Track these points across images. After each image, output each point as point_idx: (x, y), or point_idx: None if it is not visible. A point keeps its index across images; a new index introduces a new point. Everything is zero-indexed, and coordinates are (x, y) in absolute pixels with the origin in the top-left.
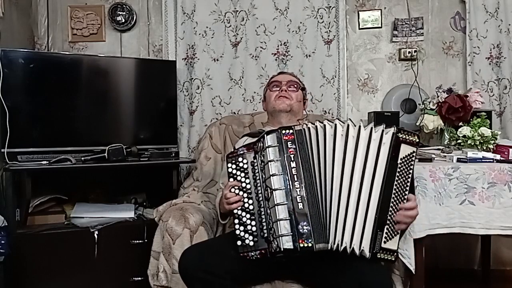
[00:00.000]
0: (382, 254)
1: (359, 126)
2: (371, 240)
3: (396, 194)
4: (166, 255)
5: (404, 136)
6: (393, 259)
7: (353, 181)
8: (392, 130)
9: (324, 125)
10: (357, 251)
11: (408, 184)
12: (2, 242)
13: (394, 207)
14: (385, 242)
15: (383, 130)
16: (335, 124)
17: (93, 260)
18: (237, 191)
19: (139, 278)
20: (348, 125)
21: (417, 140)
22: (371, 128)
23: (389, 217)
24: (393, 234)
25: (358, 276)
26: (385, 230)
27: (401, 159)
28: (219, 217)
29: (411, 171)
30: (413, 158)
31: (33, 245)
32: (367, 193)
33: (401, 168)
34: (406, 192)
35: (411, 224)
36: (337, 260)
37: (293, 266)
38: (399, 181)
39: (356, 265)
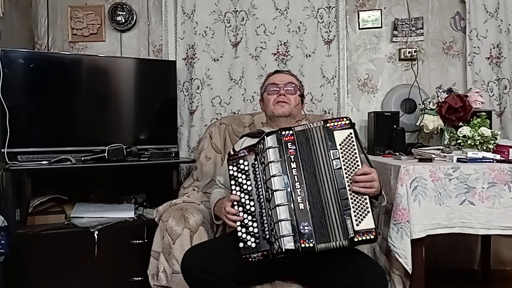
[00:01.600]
0: (359, 237)
1: (314, 128)
2: (342, 228)
3: (350, 176)
4: (166, 255)
5: (332, 125)
6: (372, 237)
7: (325, 178)
8: (322, 123)
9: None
10: (341, 244)
11: (358, 162)
12: (2, 242)
13: (352, 189)
14: (357, 225)
15: (319, 127)
16: (319, 127)
17: (93, 260)
18: (236, 210)
19: (139, 278)
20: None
21: (348, 121)
22: (317, 127)
23: (351, 201)
24: (363, 214)
25: (355, 273)
26: (353, 214)
27: (340, 144)
28: (213, 218)
29: (355, 151)
30: (352, 139)
31: (33, 245)
32: (331, 186)
33: (344, 152)
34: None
35: (411, 225)
36: (335, 258)
37: (294, 266)
38: (346, 164)
39: (354, 263)
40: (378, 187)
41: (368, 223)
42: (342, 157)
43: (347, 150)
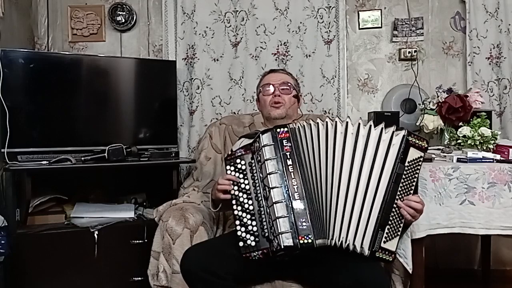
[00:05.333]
0: (380, 254)
1: (370, 126)
2: (372, 239)
3: (401, 196)
4: (166, 255)
5: (414, 140)
6: (391, 259)
7: (361, 179)
8: (403, 132)
9: (326, 123)
10: (358, 249)
11: (413, 187)
12: (2, 242)
13: (397, 209)
14: (384, 242)
15: (393, 132)
16: (347, 122)
17: (93, 260)
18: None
19: (139, 278)
20: (359, 124)
21: (426, 146)
22: (382, 128)
23: (391, 218)
24: (393, 235)
25: (355, 273)
26: (386, 230)
27: (408, 162)
28: (210, 204)
29: (417, 175)
30: (420, 163)
31: (33, 245)
32: (372, 192)
33: (408, 171)
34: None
35: (411, 225)
36: (335, 258)
37: (294, 265)
38: (404, 184)
39: (354, 263)
40: (419, 214)
41: (393, 244)
42: (404, 175)
43: (411, 171)
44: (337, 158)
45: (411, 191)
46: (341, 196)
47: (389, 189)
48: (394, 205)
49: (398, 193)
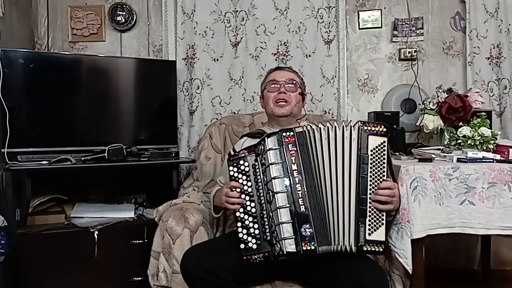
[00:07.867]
0: (368, 247)
1: (335, 127)
2: (355, 234)
3: (373, 185)
4: (166, 255)
5: (369, 128)
6: (381, 250)
7: (338, 180)
8: (358, 124)
9: (320, 128)
10: (348, 248)
11: (384, 173)
12: (2, 242)
13: (371, 199)
14: (370, 234)
15: (351, 127)
16: (320, 128)
17: (93, 260)
18: (238, 193)
19: (139, 278)
20: (328, 128)
21: (385, 130)
22: (343, 127)
23: (369, 209)
24: (377, 226)
25: (356, 274)
26: (368, 222)
27: (371, 150)
28: (212, 210)
29: (385, 160)
30: (385, 148)
31: (33, 245)
32: (347, 189)
33: (374, 159)
34: (383, 181)
35: (411, 225)
36: (335, 259)
37: (294, 266)
38: (373, 172)
39: (355, 264)
40: (397, 204)
41: (379, 235)
42: (371, 164)
43: (376, 158)
44: (324, 162)
45: (383, 177)
46: (329, 200)
47: (358, 182)
48: (369, 196)
49: (370, 182)
